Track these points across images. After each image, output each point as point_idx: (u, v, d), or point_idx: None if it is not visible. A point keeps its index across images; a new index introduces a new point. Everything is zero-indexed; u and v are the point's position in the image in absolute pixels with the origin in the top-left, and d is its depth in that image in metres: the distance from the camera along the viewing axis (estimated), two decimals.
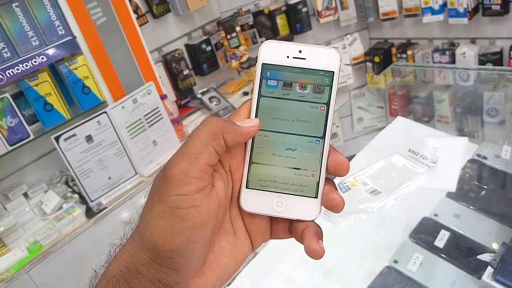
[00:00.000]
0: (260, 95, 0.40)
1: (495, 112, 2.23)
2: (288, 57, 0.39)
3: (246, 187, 0.39)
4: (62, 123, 1.70)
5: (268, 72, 0.40)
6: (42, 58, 1.59)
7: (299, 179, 0.39)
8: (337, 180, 0.96)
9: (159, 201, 0.35)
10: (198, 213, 0.35)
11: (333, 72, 0.39)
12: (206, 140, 0.36)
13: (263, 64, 0.40)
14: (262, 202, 0.39)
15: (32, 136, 1.62)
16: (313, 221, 0.39)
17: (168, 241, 0.34)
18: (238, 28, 2.36)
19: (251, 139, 0.40)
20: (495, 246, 0.90)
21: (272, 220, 0.41)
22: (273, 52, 0.40)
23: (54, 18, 1.62)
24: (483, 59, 2.19)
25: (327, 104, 0.39)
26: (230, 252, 0.39)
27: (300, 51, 0.39)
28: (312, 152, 0.39)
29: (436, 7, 2.20)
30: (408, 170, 0.73)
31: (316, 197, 0.38)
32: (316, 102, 0.39)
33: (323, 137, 0.39)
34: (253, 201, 0.39)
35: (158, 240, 0.34)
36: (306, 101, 0.39)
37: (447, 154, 0.73)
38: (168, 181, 0.35)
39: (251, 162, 0.40)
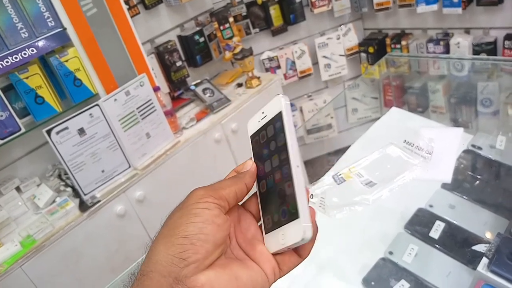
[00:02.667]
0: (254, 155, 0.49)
1: (489, 102, 2.24)
2: (259, 121, 0.49)
3: (265, 233, 0.45)
4: (53, 116, 1.68)
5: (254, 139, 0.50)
6: (32, 50, 1.56)
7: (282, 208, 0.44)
8: (332, 172, 0.96)
9: (178, 209, 0.42)
10: (210, 214, 0.41)
11: (281, 111, 0.45)
12: (230, 184, 0.44)
13: (250, 137, 0.50)
14: (274, 241, 0.44)
15: (23, 130, 1.60)
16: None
17: (182, 230, 0.39)
18: (231, 19, 2.33)
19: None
20: (490, 236, 0.90)
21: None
22: (251, 125, 0.51)
23: (43, 9, 1.59)
24: (477, 49, 2.19)
25: (284, 139, 0.44)
26: (239, 265, 0.43)
27: (262, 112, 0.48)
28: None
29: None
30: (404, 161, 0.73)
31: (299, 217, 0.41)
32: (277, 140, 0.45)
33: (288, 163, 0.43)
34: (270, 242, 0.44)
35: (173, 230, 0.40)
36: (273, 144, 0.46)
37: (443, 145, 0.72)
38: (189, 197, 0.43)
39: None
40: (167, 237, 0.40)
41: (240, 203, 0.47)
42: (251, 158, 0.49)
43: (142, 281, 0.38)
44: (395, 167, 0.75)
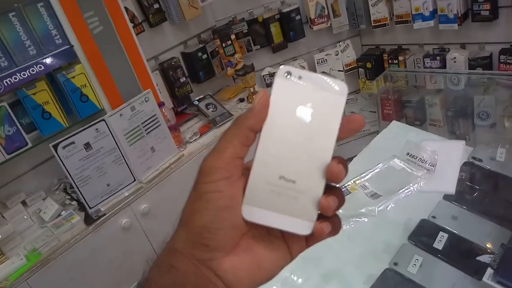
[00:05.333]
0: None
1: (486, 115, 2.28)
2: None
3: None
4: (60, 131, 1.71)
5: None
6: (40, 67, 1.59)
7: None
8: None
9: (193, 189, 0.41)
10: (222, 197, 0.39)
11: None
12: (231, 136, 0.41)
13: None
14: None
15: (30, 144, 1.63)
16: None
17: (198, 218, 0.39)
18: (233, 36, 2.38)
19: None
20: (493, 247, 0.92)
21: None
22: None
23: (51, 27, 1.63)
24: (473, 64, 2.23)
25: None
26: (265, 247, 0.42)
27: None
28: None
29: (427, 13, 2.24)
30: (407, 173, 0.75)
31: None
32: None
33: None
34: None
35: (190, 218, 0.40)
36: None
37: (445, 157, 0.75)
38: (199, 173, 0.41)
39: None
40: (186, 223, 0.40)
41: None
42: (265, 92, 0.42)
43: (168, 256, 0.40)
44: (399, 179, 0.77)
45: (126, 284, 1.77)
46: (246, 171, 0.42)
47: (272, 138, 0.42)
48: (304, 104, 0.41)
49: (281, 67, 0.42)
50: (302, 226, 0.41)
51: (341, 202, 0.41)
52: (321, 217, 0.41)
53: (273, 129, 0.42)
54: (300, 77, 0.42)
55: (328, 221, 0.41)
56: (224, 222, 0.39)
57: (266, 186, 0.42)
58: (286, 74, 0.42)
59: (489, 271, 0.83)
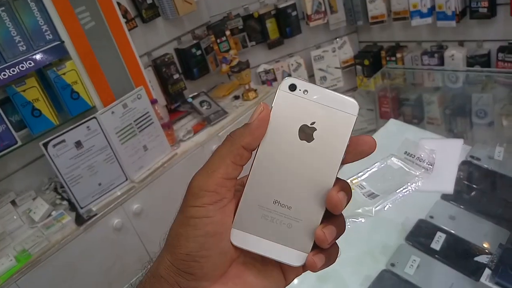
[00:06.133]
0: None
1: (484, 113, 2.26)
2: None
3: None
4: (50, 129, 1.68)
5: None
6: (30, 63, 1.56)
7: None
8: None
9: (180, 211, 0.38)
10: (211, 223, 0.37)
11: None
12: (224, 154, 0.38)
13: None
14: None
15: (19, 143, 1.59)
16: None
17: (183, 245, 0.36)
18: (228, 32, 2.35)
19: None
20: (491, 247, 0.90)
21: None
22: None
23: (41, 22, 1.60)
24: (471, 61, 2.21)
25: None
26: (257, 273, 0.39)
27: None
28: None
29: (425, 10, 2.22)
30: (405, 172, 0.73)
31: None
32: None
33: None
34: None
35: (175, 244, 0.37)
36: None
37: (444, 156, 0.73)
38: (187, 194, 0.38)
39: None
40: (172, 248, 0.37)
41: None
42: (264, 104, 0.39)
43: (153, 283, 0.38)
44: (397, 178, 0.75)
45: (118, 285, 1.74)
46: (240, 187, 0.39)
47: (269, 157, 0.39)
48: (308, 121, 0.38)
49: (286, 78, 0.39)
50: (293, 257, 0.38)
51: (340, 232, 0.38)
52: (316, 246, 0.38)
53: (271, 148, 0.39)
54: (305, 91, 0.38)
55: (323, 253, 0.38)
56: (212, 249, 0.37)
57: (258, 210, 0.38)
58: (290, 87, 0.38)
59: (487, 271, 0.80)
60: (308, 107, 0.38)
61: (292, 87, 0.38)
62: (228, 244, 0.38)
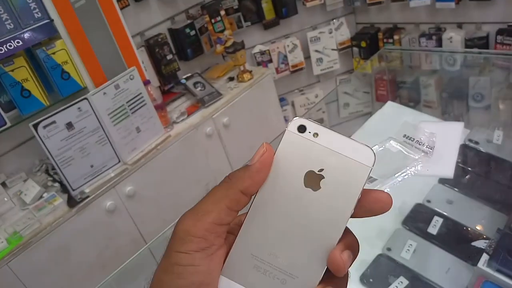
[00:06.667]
0: None
1: (481, 97, 2.24)
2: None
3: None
4: (40, 110, 1.64)
5: None
6: (18, 42, 1.51)
7: None
8: None
9: (164, 255, 0.35)
10: (197, 272, 0.33)
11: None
12: (219, 197, 0.34)
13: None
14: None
15: (9, 124, 1.55)
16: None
17: None
18: (222, 12, 2.30)
19: None
20: (489, 232, 0.89)
21: None
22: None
23: (29, 0, 1.54)
24: (469, 44, 2.18)
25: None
26: None
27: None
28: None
29: None
30: (404, 156, 0.71)
31: None
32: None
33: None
34: None
35: (160, 285, 0.34)
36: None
37: (444, 139, 0.71)
38: (172, 237, 0.34)
39: None
40: None
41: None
42: (266, 143, 0.36)
43: None
44: (396, 162, 0.73)
45: (111, 267, 1.72)
46: (237, 226, 0.36)
47: (269, 203, 0.35)
48: (316, 168, 0.34)
49: (295, 118, 0.36)
50: None
51: None
52: None
53: (272, 193, 0.35)
54: (316, 134, 0.35)
55: None
56: None
57: (250, 260, 0.35)
58: (299, 128, 0.35)
59: (485, 256, 0.79)
60: (317, 152, 0.34)
61: (302, 129, 0.35)
62: None
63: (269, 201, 0.35)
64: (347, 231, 0.35)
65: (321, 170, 0.34)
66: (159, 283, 0.34)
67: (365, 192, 0.34)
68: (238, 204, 0.35)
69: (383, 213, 0.35)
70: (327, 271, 0.33)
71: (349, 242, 0.34)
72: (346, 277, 0.35)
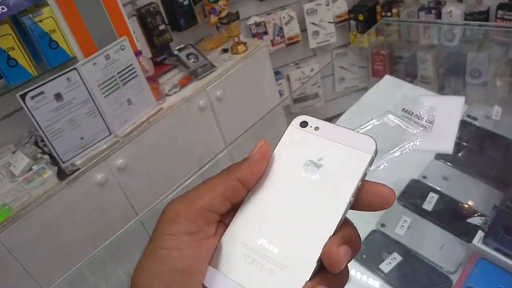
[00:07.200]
0: None
1: (478, 73, 2.21)
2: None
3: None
4: (28, 80, 1.59)
5: None
6: (2, 9, 1.45)
7: None
8: None
9: (149, 240, 0.32)
10: (181, 257, 0.30)
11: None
12: (214, 184, 0.33)
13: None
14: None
15: None
16: None
17: (144, 284, 0.30)
18: None
19: None
20: (484, 209, 0.87)
21: None
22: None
23: None
24: (469, 19, 2.14)
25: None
26: None
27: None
28: None
29: None
30: (402, 130, 0.68)
31: None
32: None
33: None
34: None
35: (135, 283, 0.30)
36: None
37: (444, 114, 0.68)
38: (160, 219, 0.32)
39: None
40: (137, 285, 0.30)
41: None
42: (264, 140, 0.36)
43: None
44: (394, 137, 0.71)
45: (103, 239, 1.71)
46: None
47: (264, 192, 0.33)
48: (314, 157, 0.33)
49: (298, 116, 0.36)
50: None
51: None
52: None
53: (268, 183, 0.34)
54: (317, 128, 0.35)
55: None
56: None
57: (239, 248, 0.32)
58: (301, 123, 0.35)
59: (480, 233, 0.78)
60: (316, 143, 0.34)
61: (303, 124, 0.35)
62: (199, 286, 0.31)
63: (264, 190, 0.34)
64: (348, 224, 0.32)
65: (320, 159, 0.33)
66: (139, 271, 0.31)
67: (366, 184, 0.32)
68: (234, 193, 0.33)
69: (383, 209, 0.33)
70: (324, 268, 0.30)
71: (349, 236, 0.31)
72: (343, 277, 0.31)
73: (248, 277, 0.31)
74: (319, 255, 0.30)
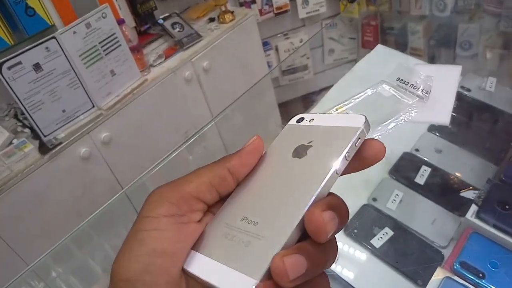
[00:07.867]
0: None
1: (469, 45, 2.18)
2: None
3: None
4: (4, 49, 1.52)
5: None
6: None
7: None
8: (315, 111, 0.88)
9: (133, 224, 0.31)
10: (160, 238, 0.29)
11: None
12: (202, 172, 0.32)
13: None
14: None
15: None
16: None
17: (123, 267, 0.29)
18: None
19: None
20: (478, 183, 0.86)
21: None
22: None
23: None
24: None
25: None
26: None
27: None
28: None
29: None
30: (397, 101, 0.65)
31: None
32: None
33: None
34: None
35: (115, 266, 0.29)
36: None
37: (441, 83, 0.65)
38: (145, 203, 0.32)
39: None
40: (113, 271, 0.29)
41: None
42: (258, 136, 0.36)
43: None
44: (388, 107, 0.67)
45: (87, 214, 1.68)
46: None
47: (253, 182, 0.34)
48: (305, 142, 0.34)
49: (296, 115, 0.38)
50: (242, 284, 0.27)
51: (317, 268, 0.27)
52: None
53: (259, 175, 0.34)
54: (311, 120, 0.36)
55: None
56: (157, 275, 0.28)
57: (222, 229, 0.31)
58: (298, 120, 0.37)
59: (473, 207, 0.77)
60: (309, 130, 0.35)
61: (300, 120, 0.37)
62: (179, 271, 0.29)
63: (253, 181, 0.34)
64: (333, 194, 0.31)
65: (310, 142, 0.34)
66: (120, 254, 0.30)
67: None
68: (221, 182, 0.32)
69: (376, 162, 0.33)
70: (309, 238, 0.28)
71: (334, 203, 0.29)
72: (328, 253, 0.29)
73: (226, 253, 0.30)
74: (297, 222, 0.28)
